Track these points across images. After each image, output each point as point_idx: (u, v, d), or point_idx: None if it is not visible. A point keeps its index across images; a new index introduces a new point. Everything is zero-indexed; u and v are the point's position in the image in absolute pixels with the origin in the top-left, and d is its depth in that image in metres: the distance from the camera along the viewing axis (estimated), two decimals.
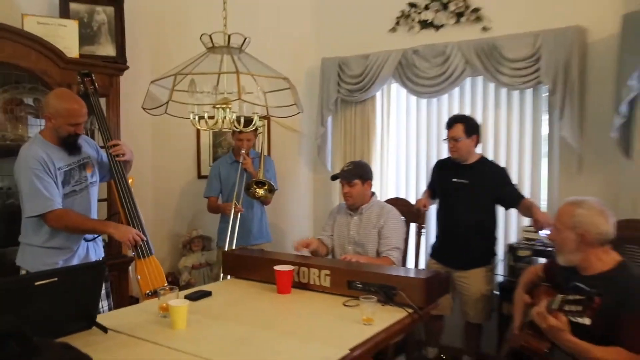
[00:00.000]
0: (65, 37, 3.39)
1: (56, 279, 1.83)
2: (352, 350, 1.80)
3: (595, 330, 1.94)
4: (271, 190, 3.77)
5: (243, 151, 3.74)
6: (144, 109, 2.28)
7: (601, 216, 2.12)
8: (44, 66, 3.21)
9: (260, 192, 3.74)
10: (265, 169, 3.81)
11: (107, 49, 3.70)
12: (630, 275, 2.05)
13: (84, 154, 2.80)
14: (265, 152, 4.06)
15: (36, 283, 1.79)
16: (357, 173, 3.14)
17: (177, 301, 2.03)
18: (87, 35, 3.63)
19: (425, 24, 3.87)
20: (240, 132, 3.48)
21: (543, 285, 2.39)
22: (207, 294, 2.48)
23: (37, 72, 3.20)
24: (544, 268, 2.50)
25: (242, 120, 2.23)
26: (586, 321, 1.88)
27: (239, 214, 3.71)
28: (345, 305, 2.30)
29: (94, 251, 2.88)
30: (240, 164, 3.75)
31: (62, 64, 3.27)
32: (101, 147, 3.00)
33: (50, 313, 1.79)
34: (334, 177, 3.35)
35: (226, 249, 3.56)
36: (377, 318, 2.08)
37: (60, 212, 2.61)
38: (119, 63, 3.67)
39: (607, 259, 2.12)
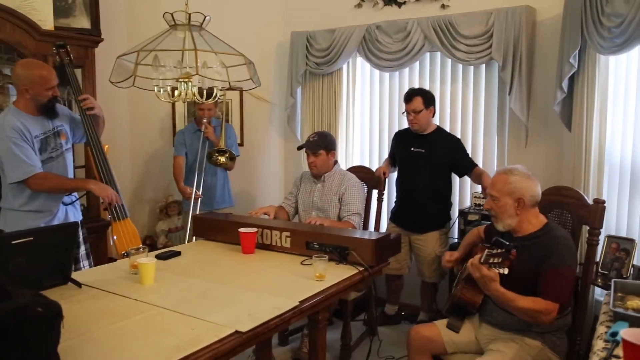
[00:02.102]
0: (40, 10, 3.40)
1: (32, 238, 1.93)
2: (302, 302, 1.94)
3: (520, 278, 2.12)
4: (232, 157, 3.87)
5: (204, 120, 3.82)
6: (111, 82, 2.37)
7: (531, 180, 2.29)
8: (19, 38, 3.24)
9: (222, 159, 3.84)
10: (226, 135, 3.90)
11: (82, 22, 3.71)
12: (554, 236, 2.23)
13: (57, 122, 2.87)
14: (227, 121, 4.15)
15: (13, 242, 1.89)
16: (322, 144, 3.24)
17: (145, 259, 2.16)
18: (61, 8, 3.63)
19: (388, 1, 3.94)
20: (202, 102, 3.59)
21: (481, 245, 2.55)
22: (177, 253, 2.60)
23: (13, 43, 3.23)
24: (484, 230, 2.66)
25: (204, 92, 2.33)
26: (505, 271, 2.04)
27: (202, 183, 3.85)
28: (302, 264, 2.42)
29: (73, 214, 2.98)
30: (202, 132, 3.84)
31: (37, 35, 3.30)
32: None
33: (27, 269, 1.88)
34: (300, 148, 3.45)
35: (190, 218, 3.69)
36: (330, 275, 2.22)
37: (41, 175, 2.70)
38: (93, 35, 3.69)
39: (535, 222, 2.30)
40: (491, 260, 2.05)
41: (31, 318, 1.24)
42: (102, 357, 1.49)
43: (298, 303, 1.92)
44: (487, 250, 2.09)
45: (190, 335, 1.61)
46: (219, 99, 3.71)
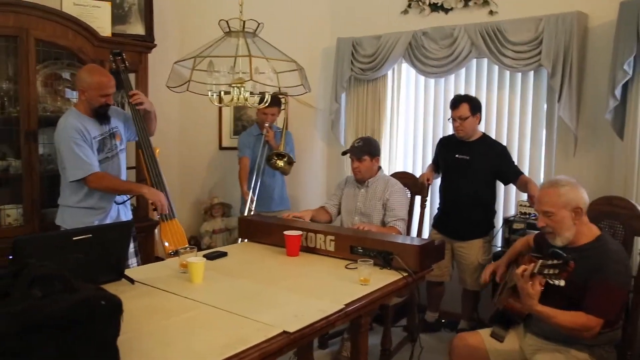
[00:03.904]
0: (99, 17, 3.56)
1: (90, 235, 2.02)
2: (347, 305, 1.96)
3: (568, 292, 2.07)
4: (290, 162, 3.96)
5: (267, 124, 3.92)
6: (168, 87, 2.45)
7: (579, 187, 2.24)
8: (79, 44, 3.39)
9: (280, 163, 3.94)
10: (285, 142, 3.99)
11: (137, 28, 3.86)
12: (607, 250, 2.17)
13: (113, 123, 3.00)
14: (286, 127, 4.24)
15: (74, 238, 1.98)
16: (367, 149, 3.25)
17: (195, 259, 2.21)
18: (118, 15, 3.79)
19: (435, 7, 3.93)
20: (266, 107, 3.70)
21: (528, 255, 2.50)
22: (224, 254, 2.65)
23: (74, 49, 3.38)
24: (534, 238, 2.61)
25: (255, 97, 2.39)
26: (561, 283, 1.98)
27: (258, 184, 3.95)
28: (346, 267, 2.44)
29: (124, 214, 3.10)
30: (264, 136, 3.94)
31: (96, 42, 3.45)
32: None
33: (85, 264, 1.95)
34: (344, 153, 3.48)
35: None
36: (374, 279, 2.22)
37: (100, 175, 2.84)
38: (147, 41, 3.83)
39: (589, 233, 2.24)
40: (546, 272, 2.00)
41: (95, 311, 1.30)
42: (155, 351, 1.54)
43: (343, 306, 1.94)
44: (541, 260, 2.05)
45: (239, 333, 1.64)
46: (282, 105, 3.81)
